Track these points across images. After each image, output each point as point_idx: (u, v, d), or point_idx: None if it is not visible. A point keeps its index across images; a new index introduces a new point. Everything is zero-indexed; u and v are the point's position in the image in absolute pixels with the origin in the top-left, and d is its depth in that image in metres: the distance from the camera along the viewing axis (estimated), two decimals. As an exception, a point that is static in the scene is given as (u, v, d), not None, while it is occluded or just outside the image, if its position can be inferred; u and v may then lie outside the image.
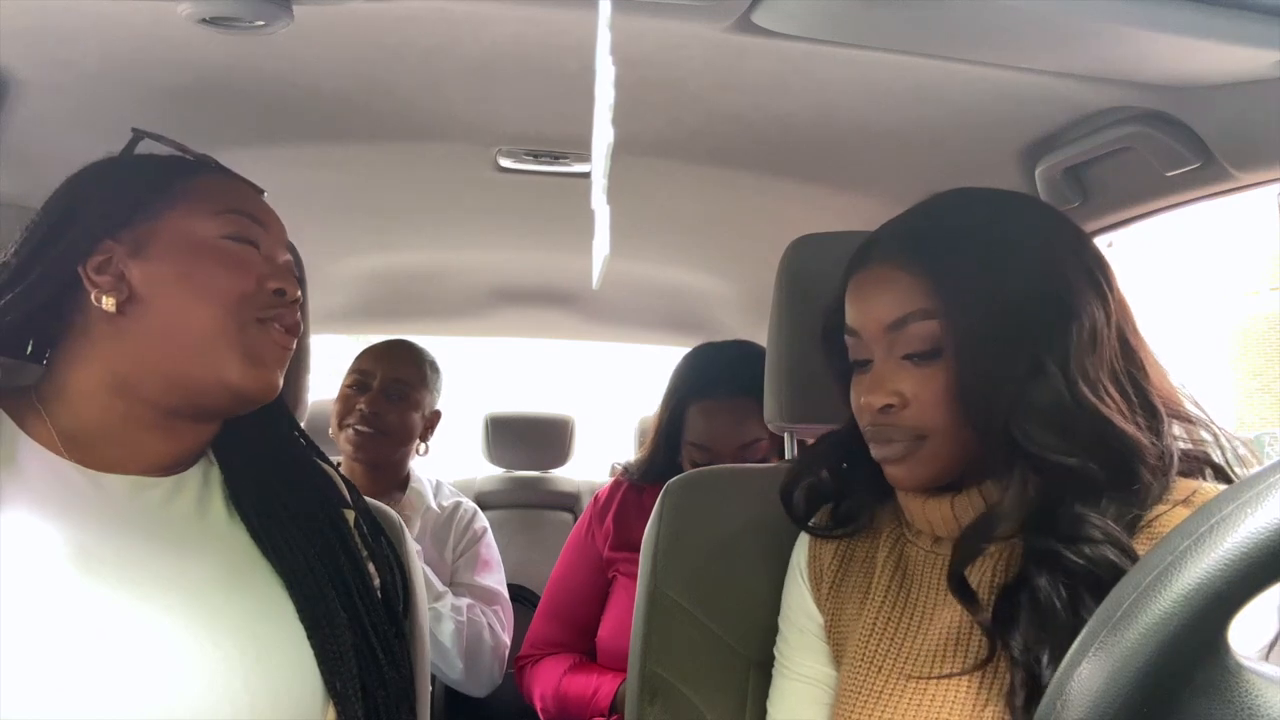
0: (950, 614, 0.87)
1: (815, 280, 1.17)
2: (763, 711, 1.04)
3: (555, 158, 1.36)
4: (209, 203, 0.89)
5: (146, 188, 0.89)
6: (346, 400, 1.81)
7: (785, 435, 1.33)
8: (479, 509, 1.93)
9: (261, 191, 0.96)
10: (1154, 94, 1.00)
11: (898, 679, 0.87)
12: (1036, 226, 0.89)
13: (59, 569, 0.77)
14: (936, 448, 0.85)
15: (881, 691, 0.87)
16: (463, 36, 0.98)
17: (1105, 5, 0.78)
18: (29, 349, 0.89)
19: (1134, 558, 0.77)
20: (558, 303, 2.31)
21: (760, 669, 1.09)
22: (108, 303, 0.83)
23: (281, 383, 0.90)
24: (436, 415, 1.90)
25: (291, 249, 0.96)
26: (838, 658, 0.96)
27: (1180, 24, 0.79)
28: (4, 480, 0.80)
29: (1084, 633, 0.42)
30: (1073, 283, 0.84)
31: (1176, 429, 0.86)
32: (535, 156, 1.36)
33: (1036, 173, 1.24)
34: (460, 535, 1.85)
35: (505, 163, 1.37)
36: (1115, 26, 0.81)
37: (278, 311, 0.88)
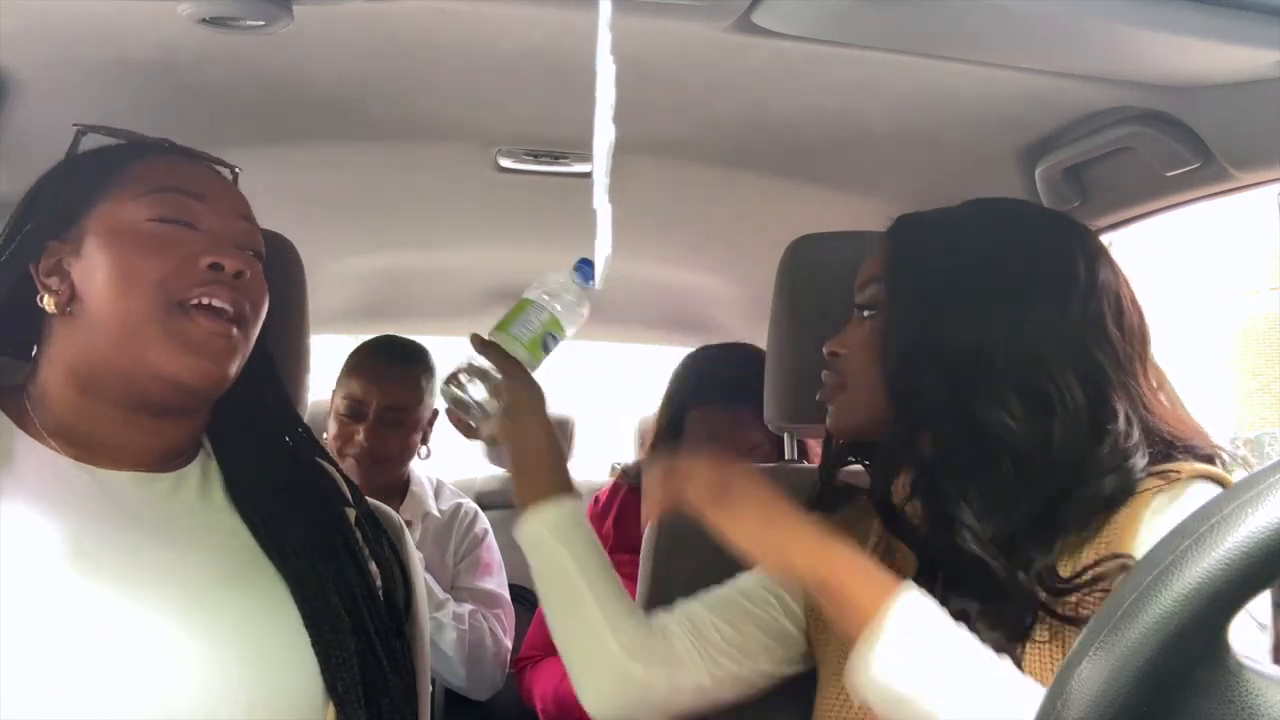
0: None
1: (815, 280, 1.18)
2: (762, 713, 1.04)
3: (555, 158, 1.36)
4: (137, 186, 0.86)
5: (84, 184, 0.88)
6: (343, 427, 1.75)
7: (785, 435, 1.33)
8: (479, 510, 1.91)
9: (226, 165, 0.93)
10: (1154, 94, 1.00)
11: None
12: (1025, 225, 0.94)
13: (56, 565, 0.77)
14: (855, 397, 0.94)
15: None
16: (463, 36, 0.98)
17: (1105, 5, 0.78)
18: (15, 350, 0.90)
19: (985, 547, 0.81)
20: (557, 303, 2.30)
21: (760, 669, 1.09)
22: (48, 303, 0.84)
23: (229, 370, 0.84)
24: (435, 414, 1.85)
25: (249, 220, 0.92)
26: (817, 643, 0.97)
27: (1180, 24, 0.79)
28: (2, 477, 0.80)
29: (1084, 633, 0.42)
30: (1028, 283, 0.87)
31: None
32: (535, 156, 1.35)
33: (1036, 173, 1.23)
34: (461, 538, 1.83)
35: (505, 163, 1.37)
36: (1115, 26, 0.81)
37: (211, 288, 0.82)
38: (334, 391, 1.82)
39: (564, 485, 1.00)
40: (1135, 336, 0.89)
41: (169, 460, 0.88)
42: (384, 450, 1.75)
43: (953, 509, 0.83)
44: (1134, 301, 0.91)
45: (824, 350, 0.97)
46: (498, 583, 1.81)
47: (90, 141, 0.94)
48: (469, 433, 1.09)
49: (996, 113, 1.12)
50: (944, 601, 0.79)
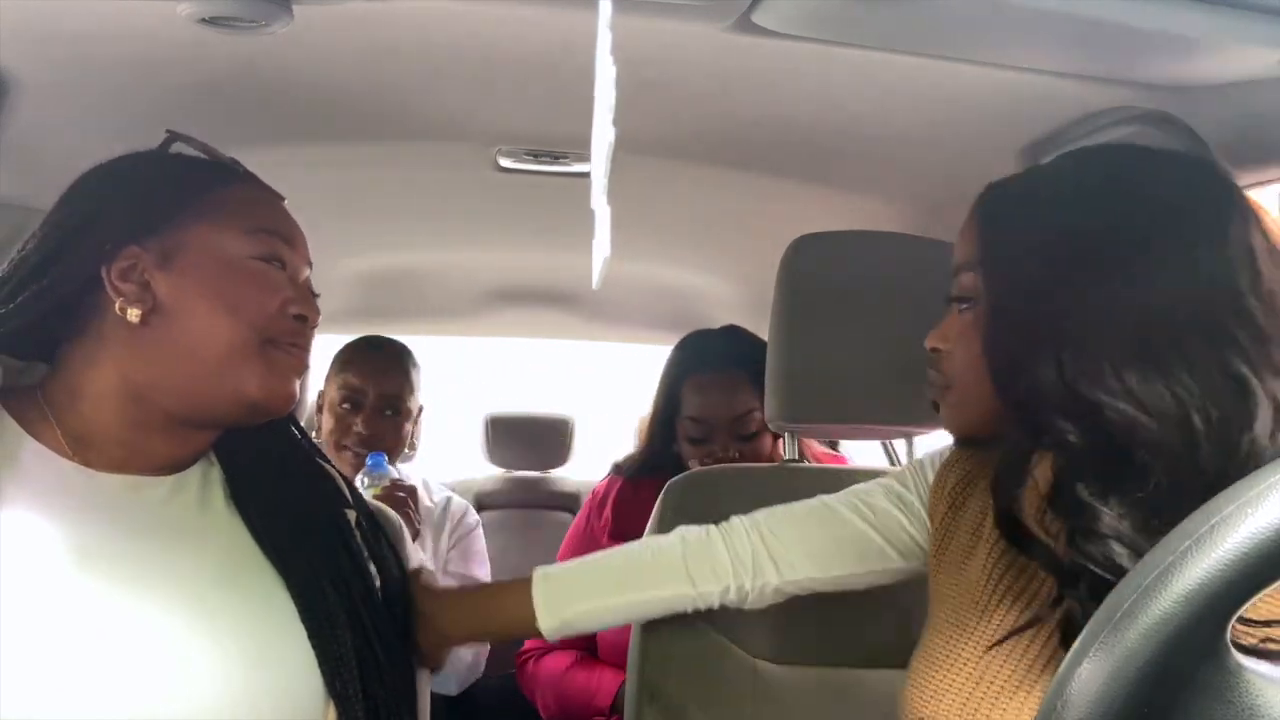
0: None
1: (816, 280, 1.18)
2: (762, 713, 1.04)
3: (555, 158, 1.36)
4: (241, 220, 0.87)
5: (176, 195, 0.87)
6: (340, 419, 1.77)
7: (785, 435, 1.33)
8: (470, 506, 1.95)
9: (282, 198, 0.95)
10: (1154, 94, 1.00)
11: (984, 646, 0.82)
12: (1132, 174, 0.82)
13: (59, 568, 0.77)
14: (963, 396, 0.87)
15: (967, 659, 0.82)
16: (463, 36, 0.98)
17: (1105, 5, 0.78)
18: (38, 349, 0.88)
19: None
20: (558, 303, 2.31)
21: (761, 670, 1.09)
22: (133, 314, 0.82)
23: (297, 393, 0.90)
24: (421, 409, 1.88)
25: (310, 265, 0.96)
26: (932, 592, 0.92)
27: (1180, 24, 0.79)
28: (4, 480, 0.80)
29: (1084, 633, 0.42)
30: (1142, 245, 0.76)
31: None
32: (535, 156, 1.36)
33: (1037, 173, 1.23)
34: (454, 528, 1.86)
35: (505, 163, 1.37)
36: (1115, 26, 0.81)
37: (296, 336, 0.88)
38: (324, 389, 1.85)
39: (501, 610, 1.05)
40: (1279, 300, 0.76)
41: (177, 465, 0.88)
42: (383, 441, 1.76)
43: (1096, 520, 0.72)
44: (1276, 258, 0.78)
45: (926, 345, 0.90)
46: (483, 572, 1.84)
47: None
48: None
49: (997, 112, 1.12)
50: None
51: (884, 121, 1.18)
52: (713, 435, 1.58)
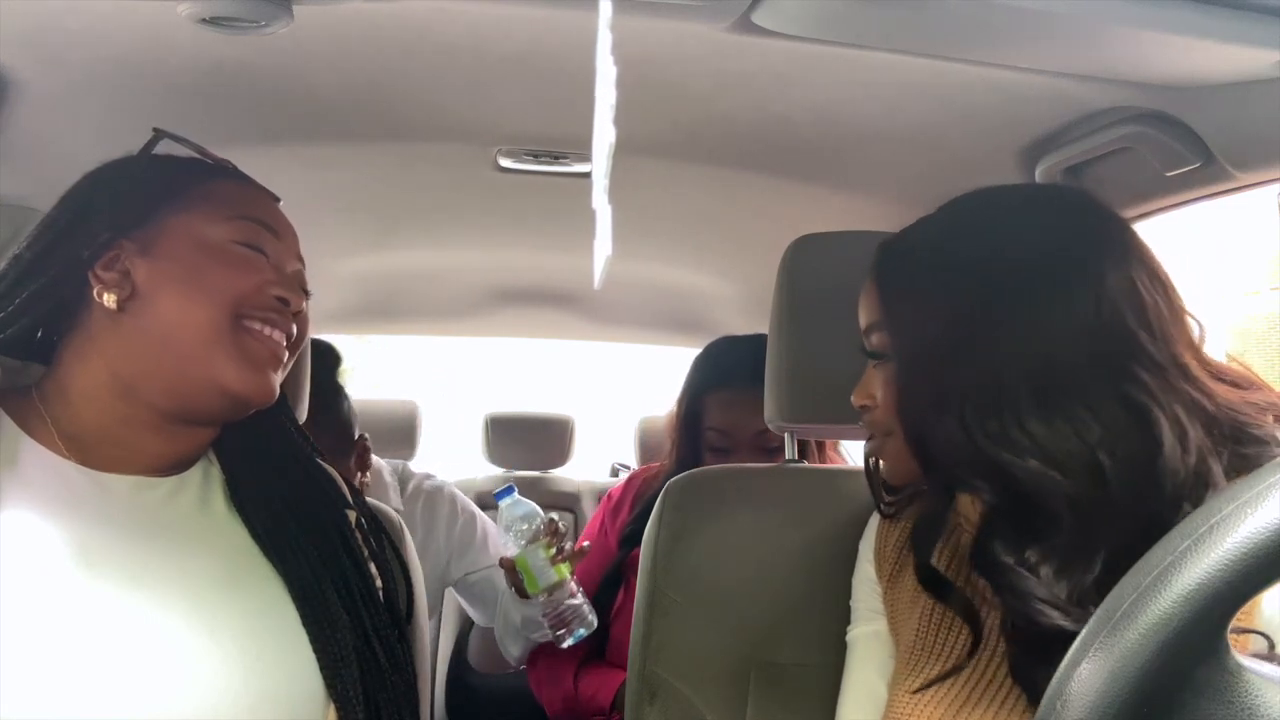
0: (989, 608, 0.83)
1: (815, 280, 1.17)
2: (763, 712, 1.04)
3: (555, 158, 1.36)
4: (223, 207, 0.88)
5: (161, 189, 0.88)
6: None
7: (785, 435, 1.33)
8: (457, 491, 1.86)
9: (277, 199, 0.95)
10: (1154, 94, 1.00)
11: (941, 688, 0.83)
12: (1009, 219, 0.84)
13: (60, 569, 0.77)
14: (899, 446, 0.86)
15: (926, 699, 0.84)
16: (463, 36, 0.98)
17: (1105, 5, 0.78)
18: (34, 349, 0.88)
19: (1067, 612, 0.71)
20: (558, 303, 2.31)
21: (761, 669, 1.09)
22: (109, 299, 0.83)
23: (277, 388, 0.89)
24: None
25: (301, 260, 0.95)
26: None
27: (1180, 24, 0.79)
28: (4, 480, 0.80)
29: (1084, 633, 0.42)
30: (1027, 287, 0.78)
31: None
32: (535, 156, 1.36)
33: (1037, 172, 1.24)
34: (452, 521, 1.78)
35: (505, 163, 1.37)
36: (1115, 26, 0.81)
37: (274, 317, 0.87)
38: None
39: None
40: (1168, 325, 0.77)
41: (176, 466, 0.88)
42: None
43: (1015, 580, 0.74)
44: (1156, 285, 0.79)
45: (853, 402, 0.91)
46: (493, 553, 1.76)
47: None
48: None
49: (996, 112, 1.12)
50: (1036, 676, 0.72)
51: (884, 121, 1.18)
52: (736, 447, 1.59)
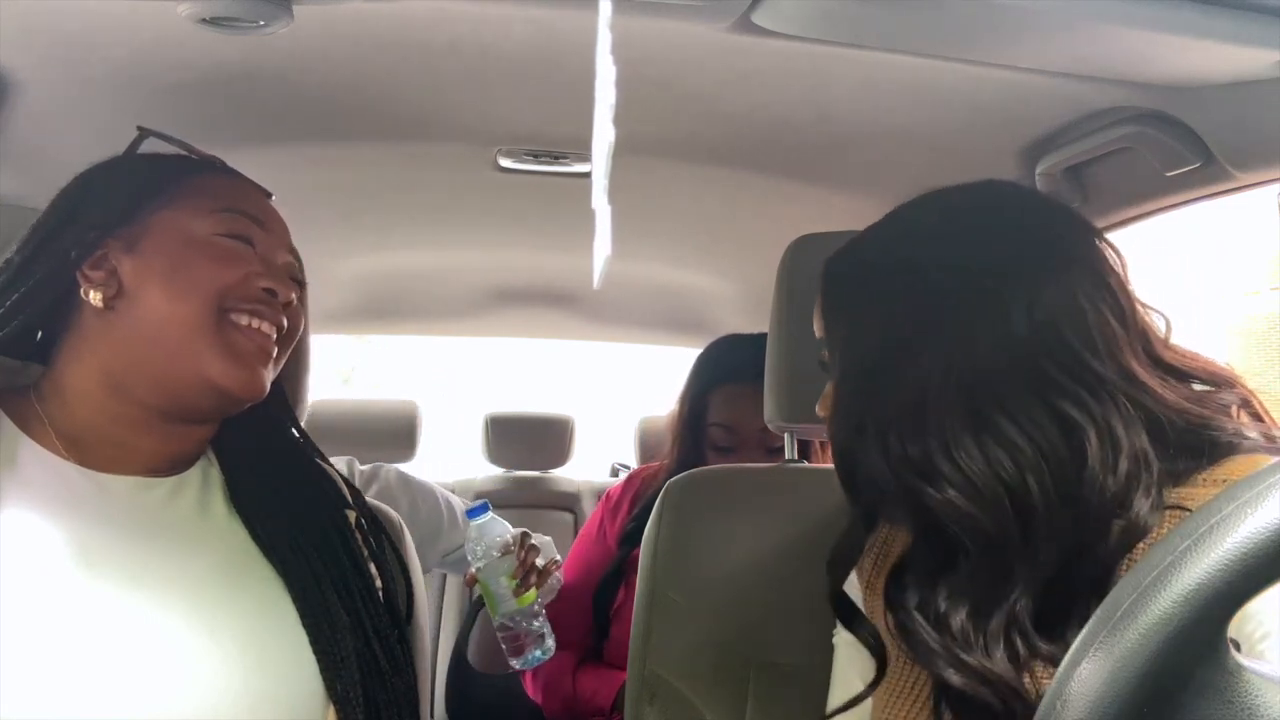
0: None
1: (815, 280, 1.17)
2: (762, 712, 1.04)
3: (555, 158, 1.36)
4: (207, 201, 0.88)
5: (146, 187, 0.88)
6: None
7: (785, 435, 1.33)
8: (400, 470, 1.69)
9: (269, 195, 0.95)
10: (1154, 94, 1.00)
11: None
12: (937, 228, 0.81)
13: (60, 569, 0.77)
14: None
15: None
16: (463, 36, 0.98)
17: (1105, 5, 0.78)
18: (34, 349, 0.89)
19: (960, 665, 0.70)
20: (558, 303, 2.31)
21: (761, 669, 1.09)
22: (95, 297, 0.83)
23: (267, 384, 0.88)
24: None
25: (293, 253, 0.95)
26: None
27: (1180, 24, 0.79)
28: (4, 481, 0.80)
29: (1084, 633, 0.42)
30: (957, 304, 0.75)
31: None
32: (535, 156, 1.35)
33: (1037, 172, 1.24)
34: (412, 508, 1.61)
35: (505, 163, 1.37)
36: (1115, 26, 0.81)
37: (261, 309, 0.86)
38: None
39: None
40: (1114, 335, 0.74)
41: (175, 466, 0.88)
42: None
43: (910, 624, 0.73)
44: (1101, 294, 0.75)
45: (817, 412, 0.89)
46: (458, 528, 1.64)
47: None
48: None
49: (996, 112, 1.12)
50: None
51: (884, 121, 1.18)
52: (740, 445, 1.59)
